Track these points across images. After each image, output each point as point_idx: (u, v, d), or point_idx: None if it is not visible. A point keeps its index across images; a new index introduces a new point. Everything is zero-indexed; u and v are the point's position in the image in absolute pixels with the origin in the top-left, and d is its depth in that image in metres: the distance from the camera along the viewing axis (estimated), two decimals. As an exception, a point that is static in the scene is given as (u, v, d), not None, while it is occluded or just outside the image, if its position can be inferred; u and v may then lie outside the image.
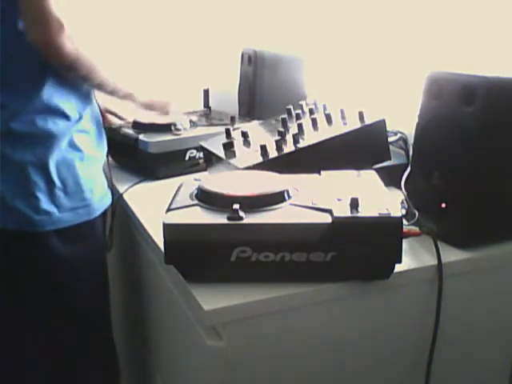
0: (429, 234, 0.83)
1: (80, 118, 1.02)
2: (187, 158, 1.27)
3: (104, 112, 1.28)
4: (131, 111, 1.32)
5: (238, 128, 1.14)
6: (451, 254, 0.84)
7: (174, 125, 1.29)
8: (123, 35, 1.70)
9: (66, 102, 0.99)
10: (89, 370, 1.11)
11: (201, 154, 1.21)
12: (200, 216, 0.76)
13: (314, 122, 1.04)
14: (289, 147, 0.98)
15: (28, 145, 0.96)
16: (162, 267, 0.90)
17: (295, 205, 0.77)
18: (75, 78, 0.98)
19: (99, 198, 1.06)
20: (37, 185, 0.97)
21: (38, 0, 0.88)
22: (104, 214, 1.09)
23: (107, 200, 1.10)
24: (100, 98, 1.13)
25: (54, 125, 0.97)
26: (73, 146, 1.01)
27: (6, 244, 0.99)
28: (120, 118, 1.36)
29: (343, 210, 0.73)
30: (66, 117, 0.99)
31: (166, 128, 1.29)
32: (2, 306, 1.05)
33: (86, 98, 1.04)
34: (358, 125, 1.01)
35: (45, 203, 0.97)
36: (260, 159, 0.96)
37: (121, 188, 1.18)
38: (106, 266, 1.13)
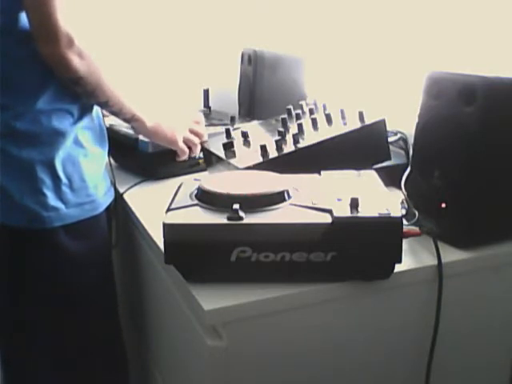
0: (429, 234, 0.83)
1: (84, 115, 1.02)
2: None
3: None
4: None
5: (238, 128, 1.14)
6: (451, 254, 0.84)
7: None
8: (123, 35, 1.70)
9: (71, 100, 0.99)
10: (98, 370, 1.10)
11: (201, 154, 1.21)
12: (200, 216, 0.76)
13: (314, 121, 1.04)
14: (289, 147, 0.98)
15: (34, 143, 0.97)
16: (162, 267, 0.90)
17: (295, 205, 0.77)
18: (80, 94, 0.98)
19: (103, 193, 1.07)
20: (44, 182, 0.97)
21: (46, 13, 0.87)
22: (108, 209, 1.09)
23: (111, 195, 1.10)
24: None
25: (59, 123, 0.98)
26: (77, 142, 1.01)
27: (13, 242, 1.00)
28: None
29: (343, 210, 0.73)
30: (70, 115, 0.99)
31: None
32: (9, 305, 1.05)
33: None
34: (358, 125, 1.01)
35: (52, 200, 0.98)
36: (260, 159, 0.96)
37: (121, 188, 1.18)
38: (112, 262, 1.13)
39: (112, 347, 1.15)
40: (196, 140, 1.17)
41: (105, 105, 1.01)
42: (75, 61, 0.91)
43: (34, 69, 0.95)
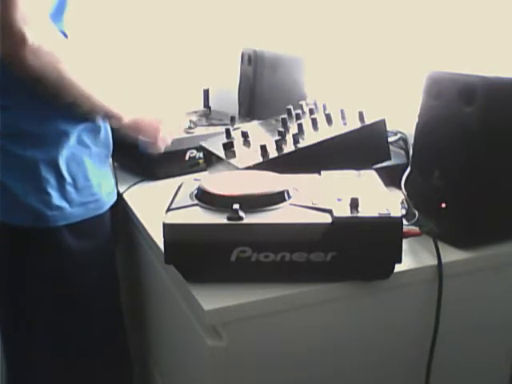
0: (429, 234, 0.83)
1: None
2: (187, 158, 1.27)
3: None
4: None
5: (238, 128, 1.14)
6: (451, 254, 0.84)
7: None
8: (123, 35, 1.70)
9: None
10: (98, 370, 1.10)
11: (201, 154, 1.21)
12: (200, 216, 0.76)
13: (314, 121, 1.04)
14: (289, 147, 0.98)
15: (38, 143, 0.97)
16: (162, 267, 0.90)
17: (295, 205, 0.77)
18: (44, 94, 0.93)
19: (107, 193, 1.07)
20: (48, 181, 0.98)
21: (1, 12, 0.84)
22: (112, 208, 1.09)
23: (114, 195, 1.11)
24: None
25: (64, 124, 0.98)
26: (81, 142, 1.01)
27: (14, 241, 1.00)
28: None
29: (343, 210, 0.73)
30: (74, 116, 0.99)
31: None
32: (11, 305, 1.05)
33: None
34: (358, 125, 1.01)
35: (56, 199, 0.98)
36: (260, 159, 0.96)
37: (121, 188, 1.19)
38: (116, 261, 1.13)
39: (113, 347, 1.14)
40: (166, 140, 1.16)
41: (72, 105, 0.96)
42: (28, 60, 0.87)
43: None
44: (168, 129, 1.16)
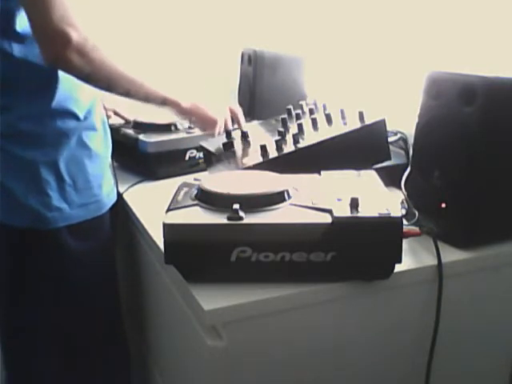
0: (429, 234, 0.83)
1: (88, 116, 1.02)
2: (187, 158, 1.27)
3: (110, 112, 1.27)
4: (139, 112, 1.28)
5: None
6: (451, 254, 0.84)
7: (174, 125, 1.29)
8: (123, 35, 1.70)
9: (74, 102, 0.99)
10: (98, 370, 1.11)
11: (201, 154, 1.21)
12: (200, 216, 0.76)
13: (314, 121, 1.04)
14: (289, 147, 0.98)
15: (38, 144, 0.97)
16: (162, 267, 0.90)
17: (295, 205, 0.77)
18: (97, 88, 0.97)
19: (107, 194, 1.07)
20: (48, 182, 0.98)
21: (40, 14, 0.86)
22: (112, 209, 1.09)
23: (115, 195, 1.11)
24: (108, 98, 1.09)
25: (64, 124, 0.98)
26: (81, 143, 1.01)
27: (15, 242, 1.00)
28: (125, 119, 1.35)
29: (343, 210, 0.73)
30: (74, 116, 0.99)
31: (165, 128, 1.29)
32: (11, 306, 1.05)
33: (93, 97, 1.04)
34: (358, 125, 1.01)
35: (56, 200, 0.98)
36: (260, 159, 0.96)
37: (121, 188, 1.18)
38: (115, 262, 1.13)
39: (113, 347, 1.15)
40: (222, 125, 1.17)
41: (127, 95, 0.99)
42: (75, 60, 0.88)
43: (36, 70, 0.95)
44: (223, 114, 1.17)
